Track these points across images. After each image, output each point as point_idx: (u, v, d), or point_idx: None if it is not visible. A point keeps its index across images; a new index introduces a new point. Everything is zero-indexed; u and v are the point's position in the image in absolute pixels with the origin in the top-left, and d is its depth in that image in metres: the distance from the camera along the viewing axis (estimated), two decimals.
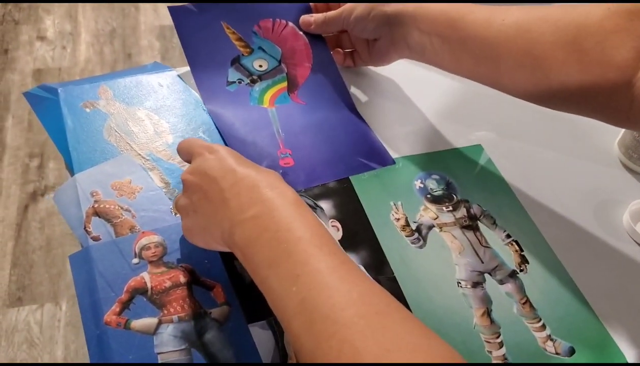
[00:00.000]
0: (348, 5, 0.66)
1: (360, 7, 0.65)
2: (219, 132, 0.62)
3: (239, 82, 0.66)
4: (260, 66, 0.67)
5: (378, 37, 0.66)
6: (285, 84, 0.67)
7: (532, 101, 0.56)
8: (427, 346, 0.34)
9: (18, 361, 1.33)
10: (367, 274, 0.40)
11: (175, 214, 0.54)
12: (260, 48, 0.68)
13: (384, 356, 0.32)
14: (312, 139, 0.63)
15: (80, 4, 2.27)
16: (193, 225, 0.46)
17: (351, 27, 0.67)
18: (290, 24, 0.70)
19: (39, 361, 1.33)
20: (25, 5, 2.24)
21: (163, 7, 2.30)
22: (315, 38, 0.70)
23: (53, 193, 1.65)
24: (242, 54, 0.67)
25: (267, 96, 0.66)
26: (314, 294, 0.36)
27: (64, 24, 2.20)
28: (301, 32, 0.70)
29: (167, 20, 2.25)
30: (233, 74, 0.66)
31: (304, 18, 0.70)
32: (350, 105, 0.67)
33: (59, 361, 1.34)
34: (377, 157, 0.63)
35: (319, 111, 0.66)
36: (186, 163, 0.59)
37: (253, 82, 0.66)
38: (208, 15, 0.68)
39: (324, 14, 0.68)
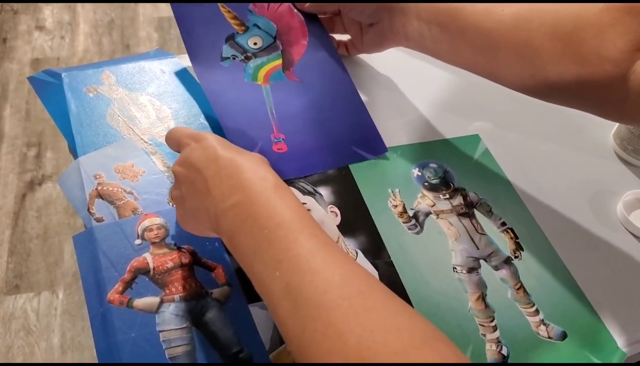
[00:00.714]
0: None
1: None
2: (206, 117, 0.61)
3: (233, 58, 0.65)
4: (255, 44, 0.67)
5: (375, 21, 0.66)
6: (280, 61, 0.67)
7: (528, 93, 0.57)
8: (409, 324, 0.34)
9: (15, 348, 1.33)
10: (349, 255, 0.41)
11: (172, 204, 0.55)
12: (255, 25, 0.68)
13: (367, 337, 0.33)
14: (306, 123, 0.63)
15: None
16: (185, 215, 0.47)
17: (348, 8, 0.66)
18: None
19: (36, 349, 1.34)
20: None
21: None
22: (310, 17, 0.70)
23: (50, 182, 1.66)
24: (237, 32, 0.67)
25: (262, 73, 0.65)
26: (297, 279, 0.37)
27: (62, 14, 2.19)
28: (297, 11, 0.70)
29: (166, 12, 2.25)
30: (227, 51, 0.65)
31: None
32: (347, 82, 0.67)
33: (56, 348, 1.34)
34: (370, 145, 0.63)
35: (315, 89, 0.65)
36: None
37: (247, 59, 0.66)
38: (208, 5, 0.68)
39: None
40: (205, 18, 0.67)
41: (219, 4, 0.67)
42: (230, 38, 0.66)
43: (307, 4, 0.68)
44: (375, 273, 0.53)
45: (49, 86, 0.63)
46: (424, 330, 0.35)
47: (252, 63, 0.65)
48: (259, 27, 0.68)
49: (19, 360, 1.32)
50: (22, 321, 1.38)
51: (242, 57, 0.65)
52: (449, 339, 0.35)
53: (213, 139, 0.47)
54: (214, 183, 0.43)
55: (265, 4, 0.69)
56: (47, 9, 2.20)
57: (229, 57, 0.65)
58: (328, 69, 0.67)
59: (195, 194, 0.45)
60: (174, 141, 0.50)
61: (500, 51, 0.55)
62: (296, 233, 0.39)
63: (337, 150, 0.62)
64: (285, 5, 0.69)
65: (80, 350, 1.36)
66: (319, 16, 0.71)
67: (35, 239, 1.54)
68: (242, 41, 0.66)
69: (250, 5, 0.68)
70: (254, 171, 0.43)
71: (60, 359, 1.33)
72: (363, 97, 0.69)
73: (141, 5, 2.27)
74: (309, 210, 0.57)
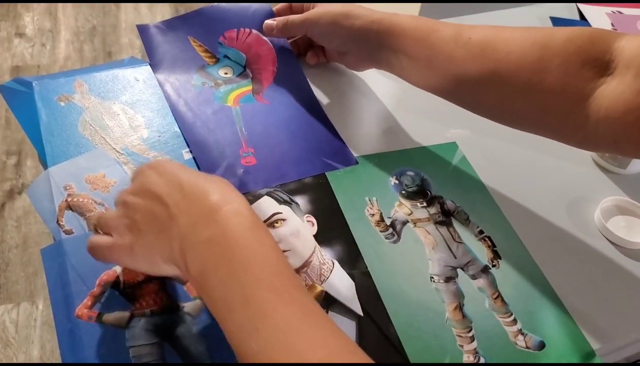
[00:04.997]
0: (311, 13, 0.66)
1: (324, 21, 0.64)
2: (181, 131, 0.61)
3: (203, 85, 0.66)
4: (226, 73, 0.68)
5: (345, 51, 0.67)
6: (250, 87, 0.68)
7: (493, 118, 0.58)
8: None
9: None
10: (328, 320, 0.38)
11: (93, 231, 0.49)
12: (225, 56, 0.70)
13: None
14: (275, 138, 0.63)
15: (60, 2, 2.25)
16: (137, 245, 0.42)
17: (315, 39, 0.68)
18: (254, 31, 0.71)
19: (14, 361, 1.31)
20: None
21: (144, 6, 2.29)
22: (279, 42, 0.72)
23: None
24: (208, 64, 0.68)
25: (232, 96, 0.66)
26: (274, 355, 0.34)
27: (43, 21, 2.17)
28: (265, 38, 0.71)
29: (148, 19, 2.24)
30: (198, 79, 0.67)
31: (267, 23, 0.70)
32: (315, 105, 0.68)
33: (35, 361, 1.32)
34: (340, 157, 0.63)
35: (284, 110, 0.66)
36: (159, 154, 0.59)
37: (217, 85, 0.67)
38: (175, 32, 0.70)
39: (286, 17, 0.68)
40: (175, 51, 0.69)
41: (189, 38, 0.69)
42: (201, 69, 0.68)
43: (275, 30, 0.69)
44: (351, 283, 0.52)
45: (19, 95, 0.62)
46: None
47: (223, 88, 0.66)
48: (229, 58, 0.70)
49: None
50: (0, 334, 1.35)
51: (212, 84, 0.67)
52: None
53: (169, 165, 0.44)
54: (179, 209, 0.40)
55: (234, 35, 0.71)
56: (28, 16, 2.18)
57: (199, 84, 0.66)
58: (296, 92, 0.68)
59: (154, 222, 0.41)
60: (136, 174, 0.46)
61: (467, 79, 0.56)
62: (275, 297, 0.36)
63: (307, 161, 0.61)
64: (254, 34, 0.71)
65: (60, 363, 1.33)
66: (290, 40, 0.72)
67: (14, 249, 1.51)
68: (212, 71, 0.68)
69: (220, 38, 0.70)
70: (225, 200, 0.40)
71: None
72: (341, 104, 0.69)
73: (123, 11, 2.25)
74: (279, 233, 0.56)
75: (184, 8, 2.30)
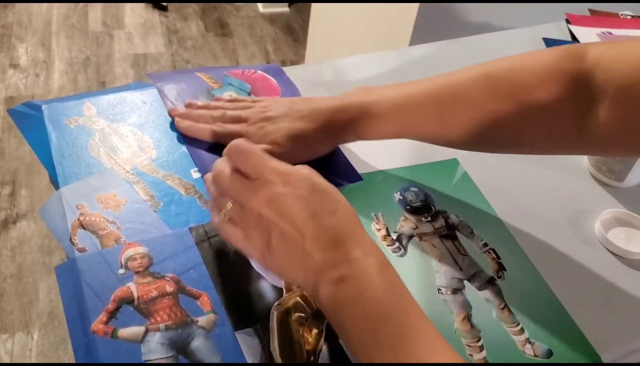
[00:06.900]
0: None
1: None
2: (189, 152, 0.62)
3: None
4: (231, 96, 0.70)
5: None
6: None
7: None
8: None
9: None
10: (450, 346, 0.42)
11: (225, 217, 0.46)
12: (229, 84, 0.72)
13: None
14: None
15: (54, 33, 2.27)
16: (269, 259, 0.44)
17: None
18: (260, 71, 0.74)
19: None
20: None
21: (137, 37, 2.32)
22: (284, 81, 0.74)
23: (25, 221, 1.63)
24: (212, 88, 0.71)
25: None
26: None
27: (37, 52, 2.19)
28: (270, 76, 0.74)
29: (141, 48, 2.26)
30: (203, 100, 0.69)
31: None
32: None
33: None
34: (345, 174, 0.64)
35: None
36: (168, 173, 0.59)
37: None
38: (183, 71, 0.74)
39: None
40: (182, 81, 0.71)
41: (196, 74, 0.72)
42: (207, 92, 0.70)
43: None
44: None
45: (29, 118, 0.63)
46: None
47: None
48: (233, 85, 0.72)
49: None
50: None
51: None
52: None
53: (304, 185, 0.43)
54: (314, 247, 0.42)
55: (239, 72, 0.73)
56: (22, 47, 2.20)
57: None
58: None
59: (288, 251, 0.43)
60: (252, 162, 0.45)
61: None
62: (405, 332, 0.39)
63: None
64: (259, 73, 0.74)
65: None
66: None
67: (9, 279, 1.51)
68: (217, 94, 0.70)
69: (226, 72, 0.73)
70: (358, 243, 0.42)
71: None
72: None
73: (116, 42, 2.28)
74: None
75: (177, 38, 2.33)
